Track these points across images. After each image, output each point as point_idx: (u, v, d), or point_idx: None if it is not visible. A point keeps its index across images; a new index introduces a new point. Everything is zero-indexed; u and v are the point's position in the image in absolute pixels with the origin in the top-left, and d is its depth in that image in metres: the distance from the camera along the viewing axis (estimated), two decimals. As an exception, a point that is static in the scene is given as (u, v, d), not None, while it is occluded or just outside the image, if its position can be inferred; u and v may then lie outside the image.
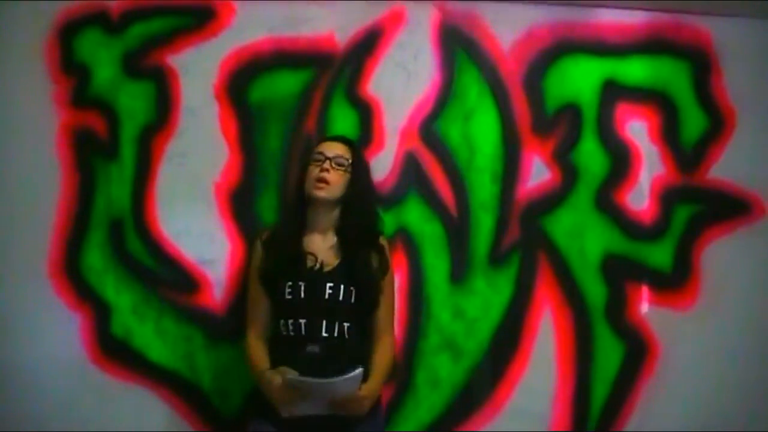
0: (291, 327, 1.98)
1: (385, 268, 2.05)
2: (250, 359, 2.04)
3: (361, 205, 2.06)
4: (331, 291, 1.98)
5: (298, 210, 2.08)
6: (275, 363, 1.96)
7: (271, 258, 2.04)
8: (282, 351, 1.99)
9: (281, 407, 1.87)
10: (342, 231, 2.04)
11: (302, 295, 1.97)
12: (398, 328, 2.33)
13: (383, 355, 2.01)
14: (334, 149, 2.05)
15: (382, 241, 2.09)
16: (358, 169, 2.07)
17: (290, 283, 1.98)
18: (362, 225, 2.05)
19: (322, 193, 2.00)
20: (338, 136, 2.17)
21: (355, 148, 2.11)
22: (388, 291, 2.06)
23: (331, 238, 2.05)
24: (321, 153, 2.04)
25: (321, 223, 2.06)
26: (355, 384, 1.83)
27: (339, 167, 2.02)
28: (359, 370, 1.80)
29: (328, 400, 1.84)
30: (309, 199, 2.04)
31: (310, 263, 2.01)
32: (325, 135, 2.25)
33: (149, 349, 2.34)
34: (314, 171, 2.02)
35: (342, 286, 1.98)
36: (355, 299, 1.99)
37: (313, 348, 1.95)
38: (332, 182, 2.00)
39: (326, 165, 2.01)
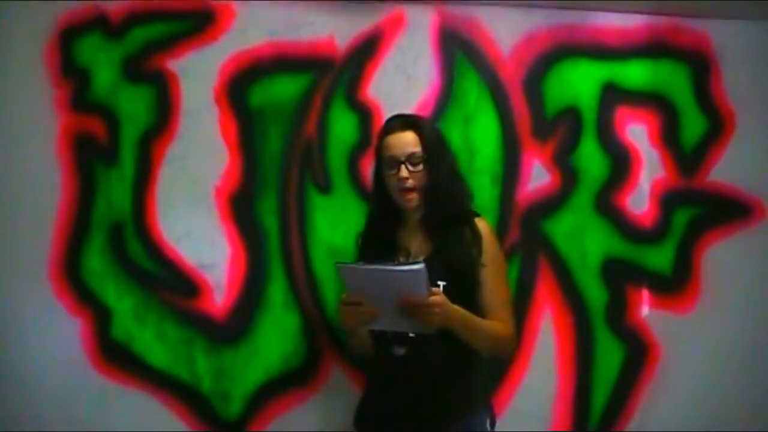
0: (377, 330, 1.89)
1: (479, 244, 1.87)
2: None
3: (444, 190, 1.90)
4: None
5: (387, 211, 1.97)
6: (371, 368, 2.01)
7: (364, 254, 2.00)
8: (376, 354, 1.96)
9: (348, 318, 1.81)
10: (429, 220, 1.92)
11: None
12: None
13: (495, 322, 1.87)
14: (404, 148, 1.89)
15: (477, 220, 1.92)
16: (435, 155, 1.90)
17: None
18: (447, 210, 1.90)
19: (413, 204, 1.90)
20: (399, 122, 1.96)
21: (423, 128, 1.92)
22: (490, 273, 1.87)
23: (425, 231, 1.94)
24: (393, 157, 1.90)
25: (413, 217, 1.95)
26: (417, 280, 1.66)
27: (416, 166, 1.88)
28: (421, 266, 1.64)
29: (395, 303, 1.69)
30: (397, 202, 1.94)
31: (401, 257, 1.91)
32: (385, 125, 2.00)
33: (150, 353, 2.33)
34: (393, 181, 1.89)
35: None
36: (445, 292, 1.78)
37: (398, 350, 1.86)
38: (417, 186, 1.88)
39: (403, 173, 1.87)
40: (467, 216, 1.92)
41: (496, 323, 1.86)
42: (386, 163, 1.91)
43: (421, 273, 1.64)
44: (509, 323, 1.90)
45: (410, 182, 1.87)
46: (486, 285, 1.86)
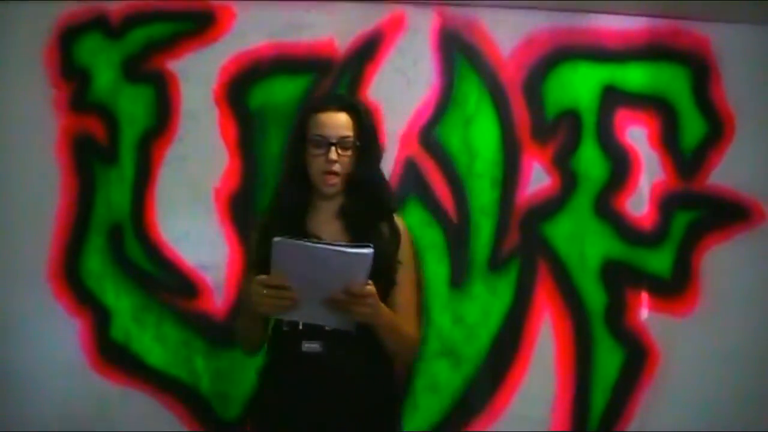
0: (287, 322, 1.72)
1: (397, 242, 1.77)
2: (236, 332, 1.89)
3: (371, 182, 1.79)
4: None
5: (300, 192, 1.80)
6: (272, 364, 1.79)
7: (265, 244, 1.69)
8: (279, 350, 1.78)
9: (265, 302, 1.56)
10: (349, 211, 1.78)
11: None
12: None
13: (408, 326, 1.76)
14: (336, 129, 1.74)
15: (396, 218, 1.83)
16: (367, 143, 1.78)
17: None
18: (370, 203, 1.78)
19: (333, 189, 1.76)
20: (336, 102, 1.82)
21: (359, 113, 1.79)
22: (406, 271, 1.77)
23: (340, 219, 1.79)
24: (321, 136, 1.73)
25: (328, 204, 1.80)
26: (362, 265, 1.52)
27: (346, 151, 1.74)
28: (371, 250, 1.51)
29: (325, 290, 1.54)
30: (315, 185, 1.78)
31: None
32: (318, 101, 1.88)
33: (149, 354, 2.35)
34: (319, 162, 1.73)
35: None
36: None
37: (311, 346, 1.70)
38: (342, 171, 1.74)
39: (332, 155, 1.72)
40: (386, 212, 1.81)
41: (409, 327, 1.76)
42: (313, 142, 1.74)
43: (369, 257, 1.50)
44: (418, 329, 1.83)
45: (337, 166, 1.72)
46: (400, 285, 1.75)
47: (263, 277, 1.56)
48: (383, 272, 1.68)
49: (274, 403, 1.74)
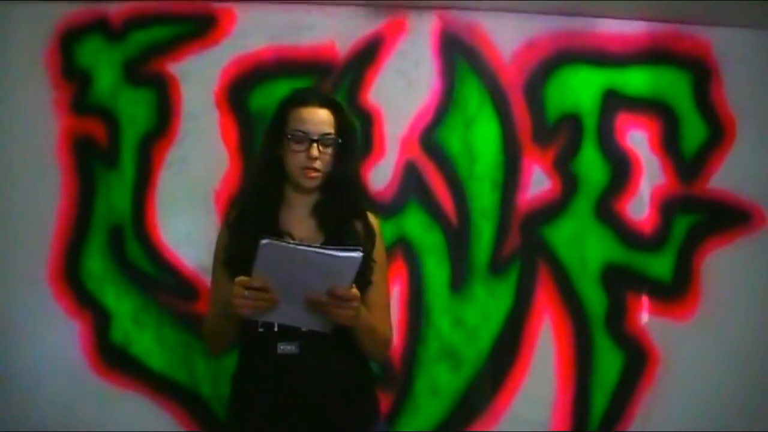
0: (261, 322, 1.63)
1: (372, 241, 1.72)
2: (205, 332, 1.78)
3: (349, 181, 1.74)
4: None
5: (274, 185, 1.73)
6: (245, 368, 1.72)
7: (238, 240, 1.69)
8: (253, 352, 1.69)
9: (246, 305, 1.50)
10: (324, 208, 1.73)
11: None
12: (398, 336, 2.34)
13: (382, 326, 1.72)
14: (318, 125, 1.68)
15: (371, 216, 1.77)
16: (348, 141, 1.73)
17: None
18: (347, 202, 1.73)
19: (314, 183, 1.70)
20: (317, 97, 1.75)
21: (341, 112, 1.74)
22: (380, 270, 1.73)
23: (314, 216, 1.73)
24: (303, 132, 1.67)
25: (302, 201, 1.74)
26: (350, 268, 1.49)
27: (327, 148, 1.69)
28: (360, 254, 1.47)
29: (308, 292, 1.50)
30: (291, 179, 1.72)
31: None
32: (300, 95, 1.76)
33: (149, 356, 2.34)
34: (299, 158, 1.67)
35: None
36: None
37: (287, 347, 1.63)
38: (323, 168, 1.68)
39: (314, 152, 1.66)
40: (361, 210, 1.76)
41: (383, 327, 1.73)
42: (294, 137, 1.67)
43: (358, 262, 1.47)
44: (391, 326, 1.77)
45: (318, 163, 1.66)
46: (375, 284, 1.70)
47: (245, 278, 1.50)
48: (359, 272, 1.59)
49: (250, 407, 1.69)
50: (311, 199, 1.74)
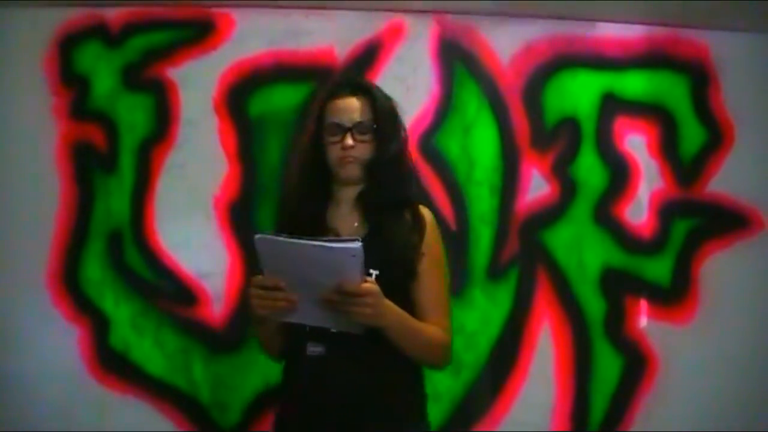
0: (294, 323, 1.56)
1: (421, 231, 1.61)
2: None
3: (389, 168, 1.64)
4: None
5: (318, 183, 1.68)
6: (284, 369, 1.67)
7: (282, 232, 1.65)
8: (288, 353, 1.65)
9: (260, 305, 1.46)
10: (367, 198, 1.65)
11: None
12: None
13: (433, 327, 1.59)
14: (351, 114, 1.63)
15: (421, 207, 1.68)
16: (385, 127, 1.65)
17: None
18: (389, 190, 1.64)
19: (355, 171, 1.63)
20: (349, 85, 1.69)
21: (375, 96, 1.66)
22: (429, 266, 1.60)
23: (358, 208, 1.67)
24: (338, 124, 1.62)
25: (347, 195, 1.67)
26: (351, 260, 1.39)
27: (363, 136, 1.62)
28: (358, 244, 1.38)
29: (319, 289, 1.42)
30: (333, 173, 1.67)
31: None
32: (331, 86, 1.72)
33: (148, 362, 2.34)
34: (335, 149, 1.62)
35: None
36: (377, 283, 1.50)
37: (315, 349, 1.55)
38: (360, 156, 1.62)
39: (348, 141, 1.60)
40: (409, 200, 1.67)
41: (433, 327, 1.58)
42: (329, 129, 1.63)
43: (357, 252, 1.37)
44: (447, 329, 1.62)
45: (354, 152, 1.61)
46: (423, 279, 1.59)
47: (258, 277, 1.46)
48: (404, 263, 1.57)
49: (285, 410, 1.66)
50: (355, 191, 1.67)
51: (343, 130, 1.61)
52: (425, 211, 1.67)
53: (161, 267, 2.35)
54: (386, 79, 2.39)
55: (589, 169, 2.46)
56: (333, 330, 1.52)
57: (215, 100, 2.37)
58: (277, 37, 2.38)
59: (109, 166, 2.36)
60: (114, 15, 2.36)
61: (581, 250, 2.44)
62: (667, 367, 2.44)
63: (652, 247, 2.46)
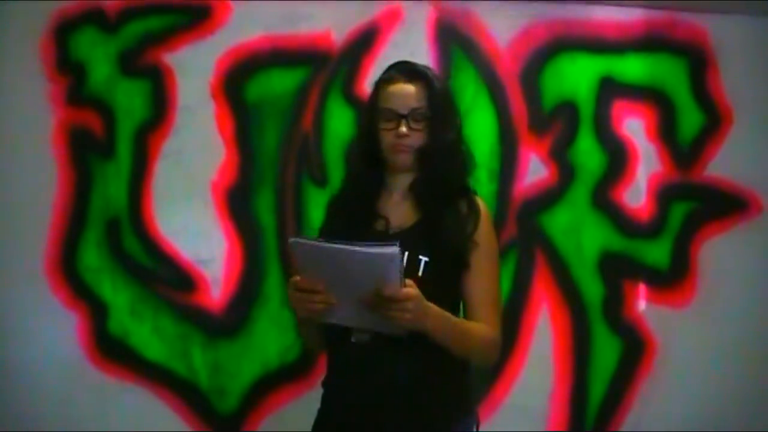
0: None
1: (475, 221, 1.56)
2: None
3: (445, 156, 1.59)
4: None
5: (371, 170, 1.64)
6: (327, 358, 1.64)
7: (330, 224, 1.66)
8: (330, 342, 1.60)
9: (300, 307, 1.45)
10: (420, 187, 1.61)
11: None
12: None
13: (480, 325, 1.54)
14: (406, 100, 1.58)
15: (477, 198, 1.63)
16: (441, 114, 1.60)
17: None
18: (444, 178, 1.59)
19: (408, 159, 1.59)
20: (405, 71, 1.63)
21: (431, 83, 1.60)
22: (482, 258, 1.56)
23: (409, 196, 1.62)
24: (392, 110, 1.58)
25: (400, 183, 1.63)
26: (389, 265, 1.34)
27: (418, 123, 1.57)
28: (396, 248, 1.33)
29: (357, 293, 1.38)
30: (387, 161, 1.63)
31: (378, 227, 1.59)
32: (387, 72, 1.66)
33: (146, 348, 2.34)
34: (389, 136, 1.58)
35: (407, 253, 1.47)
36: (427, 270, 1.50)
37: (361, 336, 1.50)
38: (414, 144, 1.57)
39: (402, 128, 1.56)
40: (465, 189, 1.64)
41: (480, 326, 1.54)
42: (383, 115, 1.59)
43: (396, 256, 1.33)
44: (496, 326, 1.57)
45: (408, 140, 1.57)
46: (474, 271, 1.55)
47: (295, 279, 1.43)
48: (456, 251, 1.53)
49: (330, 397, 1.63)
50: (408, 179, 1.63)
51: (398, 117, 1.57)
52: (480, 202, 1.62)
53: (159, 253, 2.35)
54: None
55: (587, 153, 2.45)
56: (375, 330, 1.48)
57: (212, 86, 2.36)
58: (274, 22, 2.38)
59: (107, 152, 2.35)
60: (110, 1, 2.35)
61: (579, 234, 2.44)
62: (665, 351, 2.44)
63: (651, 230, 2.46)
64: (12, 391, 2.31)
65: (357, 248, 1.34)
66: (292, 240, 1.39)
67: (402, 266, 1.36)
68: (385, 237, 1.53)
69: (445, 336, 1.48)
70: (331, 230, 1.62)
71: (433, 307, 1.44)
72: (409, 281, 1.39)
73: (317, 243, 1.40)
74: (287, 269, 2.31)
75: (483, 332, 1.54)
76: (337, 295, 1.40)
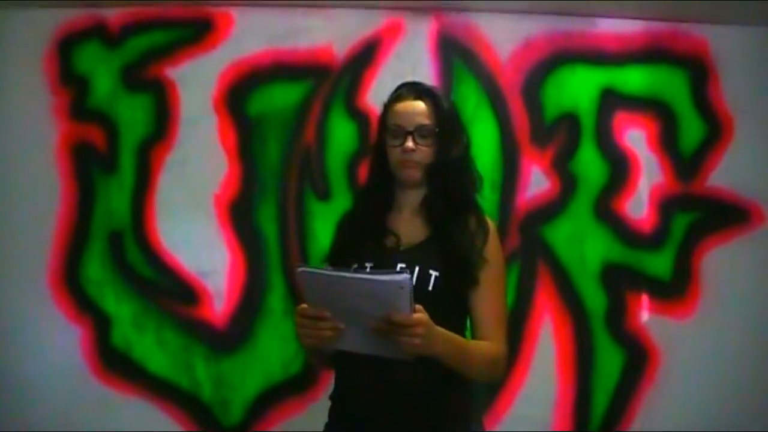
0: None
1: (484, 237, 1.58)
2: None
3: (452, 171, 1.62)
4: None
5: (381, 187, 1.67)
6: (336, 367, 1.62)
7: (340, 240, 1.68)
8: (338, 355, 1.56)
9: (306, 335, 1.43)
10: (430, 203, 1.63)
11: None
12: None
13: (487, 344, 1.54)
14: (413, 117, 1.60)
15: (485, 216, 1.64)
16: (447, 130, 1.62)
17: (356, 265, 1.54)
18: (452, 193, 1.62)
19: (415, 174, 1.60)
20: (412, 90, 1.65)
21: (437, 100, 1.63)
22: (491, 275, 1.57)
23: (420, 212, 1.64)
24: (399, 126, 1.60)
25: (410, 199, 1.65)
26: (399, 292, 1.33)
27: (425, 139, 1.59)
28: (406, 276, 1.33)
29: (366, 320, 1.36)
30: (396, 177, 1.65)
31: (389, 243, 1.60)
32: (395, 91, 1.67)
33: (149, 361, 2.35)
34: (396, 153, 1.60)
35: (418, 268, 1.51)
36: (437, 285, 1.51)
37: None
38: (421, 160, 1.59)
39: (409, 145, 1.58)
40: (473, 205, 1.66)
41: (487, 344, 1.55)
42: (391, 132, 1.62)
43: (405, 284, 1.33)
44: (502, 342, 1.58)
45: (416, 156, 1.59)
46: (483, 288, 1.56)
47: (303, 307, 1.42)
48: (466, 266, 1.54)
49: (334, 408, 1.63)
50: (418, 196, 1.65)
51: (405, 133, 1.59)
52: (489, 220, 1.64)
53: (162, 266, 2.36)
54: (385, 76, 2.40)
55: (589, 165, 2.46)
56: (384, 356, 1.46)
57: (215, 99, 2.38)
58: (276, 36, 2.39)
59: (110, 165, 2.37)
60: (113, 15, 2.37)
61: (582, 245, 2.44)
62: (668, 361, 2.44)
63: (653, 241, 2.46)
64: (16, 402, 2.32)
65: (366, 276, 1.36)
66: (299, 269, 1.37)
67: (411, 291, 1.35)
68: (395, 253, 1.56)
69: (454, 359, 1.48)
70: (341, 247, 1.64)
71: (442, 331, 1.43)
72: (418, 306, 1.38)
73: (325, 272, 1.40)
74: (294, 296, 2.31)
75: (490, 351, 1.55)
76: (345, 322, 1.39)
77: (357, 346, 1.44)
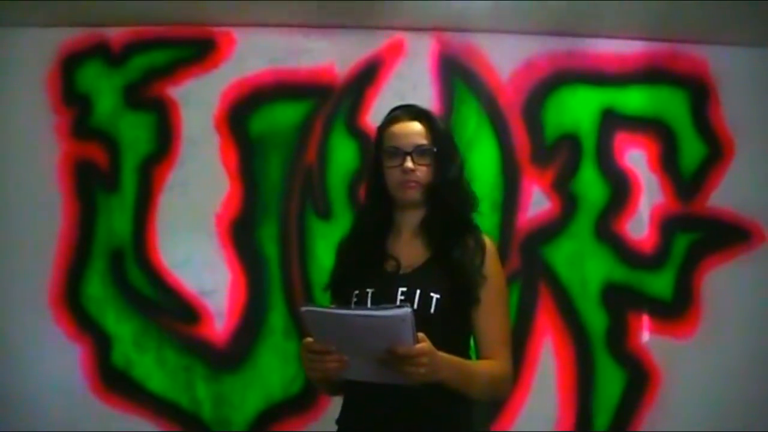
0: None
1: (482, 258, 1.58)
2: None
3: (450, 190, 1.62)
4: (403, 297, 1.52)
5: (380, 210, 1.66)
6: (345, 397, 1.63)
7: (340, 266, 1.68)
8: (349, 381, 1.55)
9: (313, 368, 1.44)
10: (430, 224, 1.63)
11: (369, 304, 1.54)
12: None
13: (491, 363, 1.55)
14: (410, 138, 1.60)
15: (482, 234, 1.63)
16: (444, 150, 1.62)
17: (357, 292, 1.57)
18: (452, 213, 1.61)
19: (415, 194, 1.60)
20: (408, 111, 1.66)
21: (432, 121, 1.64)
22: (491, 292, 1.57)
23: (421, 235, 1.64)
24: (396, 148, 1.60)
25: (409, 221, 1.65)
26: (402, 326, 1.35)
27: (422, 159, 1.59)
28: (408, 311, 1.34)
29: (372, 353, 1.38)
30: (394, 200, 1.65)
31: (389, 268, 1.60)
32: (390, 113, 1.68)
33: (150, 380, 2.35)
34: (395, 173, 1.60)
35: (419, 291, 1.52)
36: (438, 308, 1.51)
37: None
38: (421, 180, 1.59)
39: (408, 165, 1.58)
40: (471, 224, 1.65)
41: (492, 364, 1.54)
42: (388, 154, 1.61)
43: (407, 317, 1.34)
44: (507, 360, 1.57)
45: (415, 175, 1.58)
46: (485, 307, 1.56)
47: (308, 341, 1.43)
48: (467, 286, 1.55)
49: (341, 420, 1.63)
50: (417, 217, 1.65)
51: (403, 154, 1.59)
52: (486, 238, 1.64)
53: (163, 285, 2.36)
54: (386, 96, 2.41)
55: (590, 185, 2.46)
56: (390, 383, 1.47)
57: (216, 119, 2.38)
58: (277, 56, 2.40)
59: (111, 184, 2.37)
60: (115, 35, 2.38)
61: (583, 265, 2.44)
62: (669, 382, 2.44)
63: (654, 261, 2.46)
64: (16, 421, 2.31)
65: (368, 313, 1.39)
66: (303, 309, 1.38)
67: (413, 324, 1.36)
68: (396, 277, 1.56)
69: (459, 382, 1.48)
70: (343, 274, 1.64)
71: (446, 357, 1.44)
72: (421, 335, 1.38)
73: (329, 310, 1.43)
74: (300, 331, 2.29)
75: (495, 371, 1.55)
76: (350, 354, 1.41)
77: (363, 375, 1.46)
